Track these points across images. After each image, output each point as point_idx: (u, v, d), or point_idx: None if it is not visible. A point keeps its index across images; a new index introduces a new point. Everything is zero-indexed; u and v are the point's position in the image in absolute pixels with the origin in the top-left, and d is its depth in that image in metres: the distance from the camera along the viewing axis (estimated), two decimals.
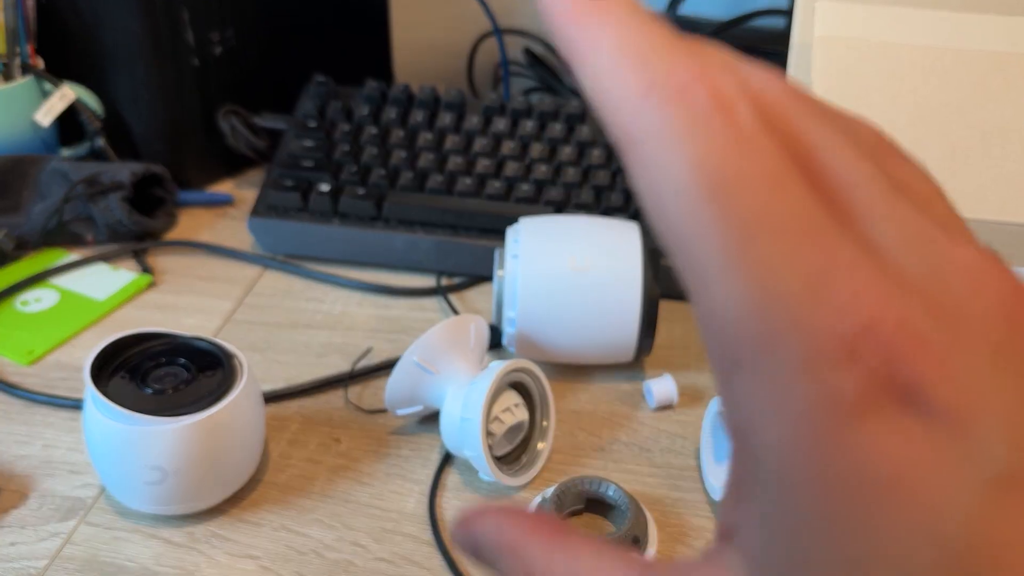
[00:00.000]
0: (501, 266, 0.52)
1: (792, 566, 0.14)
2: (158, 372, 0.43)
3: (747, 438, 0.14)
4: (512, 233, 0.52)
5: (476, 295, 0.62)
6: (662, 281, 0.51)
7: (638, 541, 0.41)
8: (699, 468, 0.48)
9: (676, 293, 0.60)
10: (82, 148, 0.72)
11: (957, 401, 0.13)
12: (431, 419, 0.50)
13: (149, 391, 0.42)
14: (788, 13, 0.75)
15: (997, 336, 0.13)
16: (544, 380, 0.48)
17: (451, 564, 0.41)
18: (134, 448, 0.40)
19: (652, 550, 0.42)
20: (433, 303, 0.61)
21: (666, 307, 0.60)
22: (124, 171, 0.65)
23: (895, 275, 0.13)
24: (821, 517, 0.13)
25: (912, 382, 0.13)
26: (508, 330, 0.51)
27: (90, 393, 0.41)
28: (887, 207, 0.14)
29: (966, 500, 0.12)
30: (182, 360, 0.43)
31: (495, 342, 0.55)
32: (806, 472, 0.13)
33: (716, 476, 0.45)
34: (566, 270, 0.50)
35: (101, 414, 0.41)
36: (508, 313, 0.51)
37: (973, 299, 0.14)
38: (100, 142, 0.70)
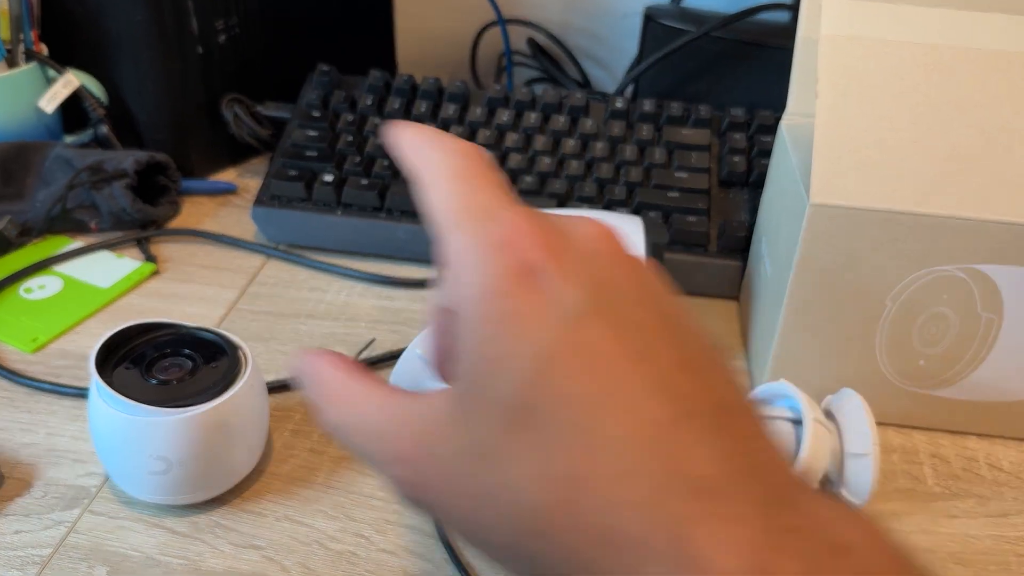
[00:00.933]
0: None
1: (469, 364, 0.23)
2: (163, 363, 0.43)
3: (456, 309, 0.24)
4: None
5: None
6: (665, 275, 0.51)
7: None
8: None
9: (678, 287, 0.60)
10: (86, 135, 0.71)
11: (555, 274, 0.23)
12: None
13: (154, 382, 0.42)
14: (794, 8, 0.75)
15: (589, 247, 0.24)
16: None
17: (453, 556, 0.42)
18: (139, 438, 0.41)
19: None
20: None
21: None
22: (128, 159, 0.65)
23: (543, 222, 0.24)
24: (484, 330, 0.23)
25: (535, 263, 0.23)
26: None
27: (95, 383, 0.41)
28: (556, 218, 0.26)
29: (552, 323, 0.22)
30: (187, 351, 0.44)
31: None
32: (479, 305, 0.23)
33: None
34: None
35: (106, 404, 0.41)
36: None
37: (582, 235, 0.24)
38: (104, 130, 0.70)
